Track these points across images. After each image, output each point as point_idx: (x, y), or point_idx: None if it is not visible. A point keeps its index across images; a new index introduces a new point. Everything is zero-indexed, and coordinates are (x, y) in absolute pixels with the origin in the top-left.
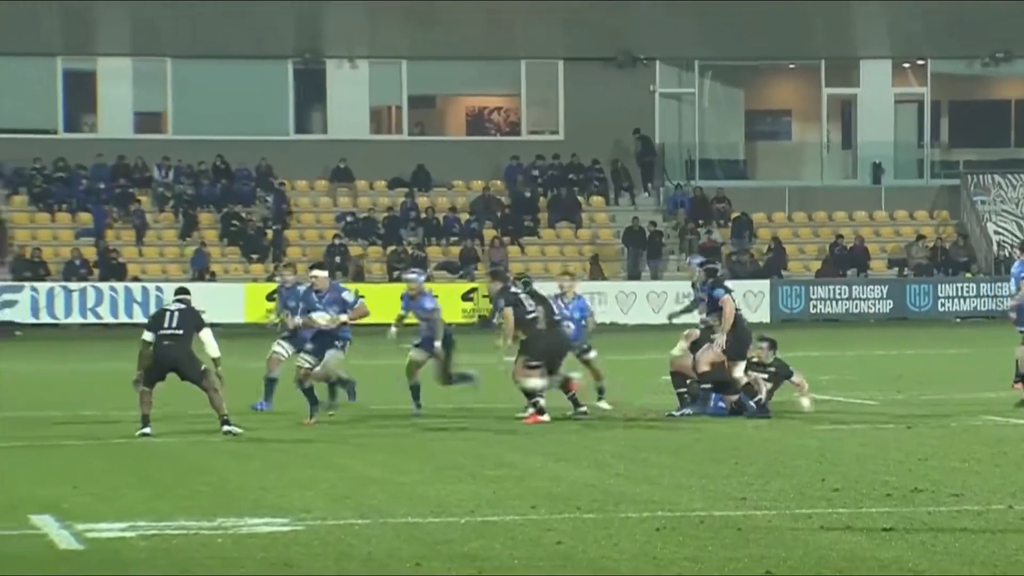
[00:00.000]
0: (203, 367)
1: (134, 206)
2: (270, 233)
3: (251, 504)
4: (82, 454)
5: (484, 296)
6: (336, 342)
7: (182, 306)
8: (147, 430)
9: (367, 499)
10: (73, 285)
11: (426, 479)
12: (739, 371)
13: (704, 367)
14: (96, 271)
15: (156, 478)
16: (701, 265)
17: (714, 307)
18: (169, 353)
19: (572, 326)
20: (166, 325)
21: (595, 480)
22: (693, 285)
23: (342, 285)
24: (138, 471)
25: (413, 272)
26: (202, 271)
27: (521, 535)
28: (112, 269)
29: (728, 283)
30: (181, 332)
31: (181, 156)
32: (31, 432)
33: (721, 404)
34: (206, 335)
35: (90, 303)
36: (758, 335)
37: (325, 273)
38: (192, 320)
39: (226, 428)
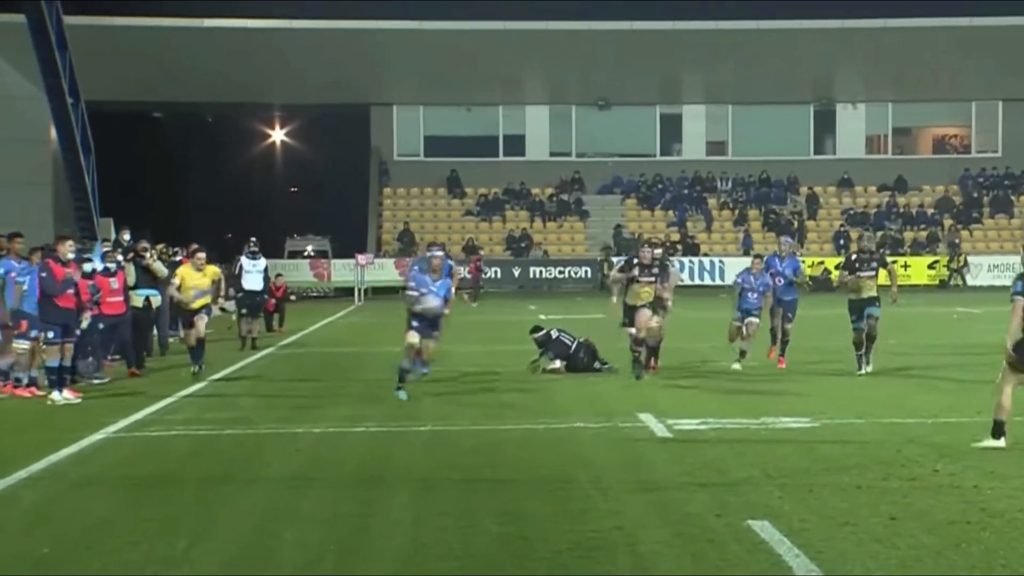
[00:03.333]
0: None
1: (706, 206)
2: (795, 223)
3: (785, 408)
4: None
5: (943, 266)
6: None
7: None
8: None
9: (861, 405)
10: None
11: (904, 391)
12: None
13: None
14: (680, 248)
15: (725, 390)
16: None
17: None
18: None
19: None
20: None
21: None
22: None
23: None
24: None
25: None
26: (747, 249)
27: (972, 432)
28: (690, 248)
29: None
30: None
31: (737, 171)
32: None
33: None
34: None
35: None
36: None
37: None
38: None
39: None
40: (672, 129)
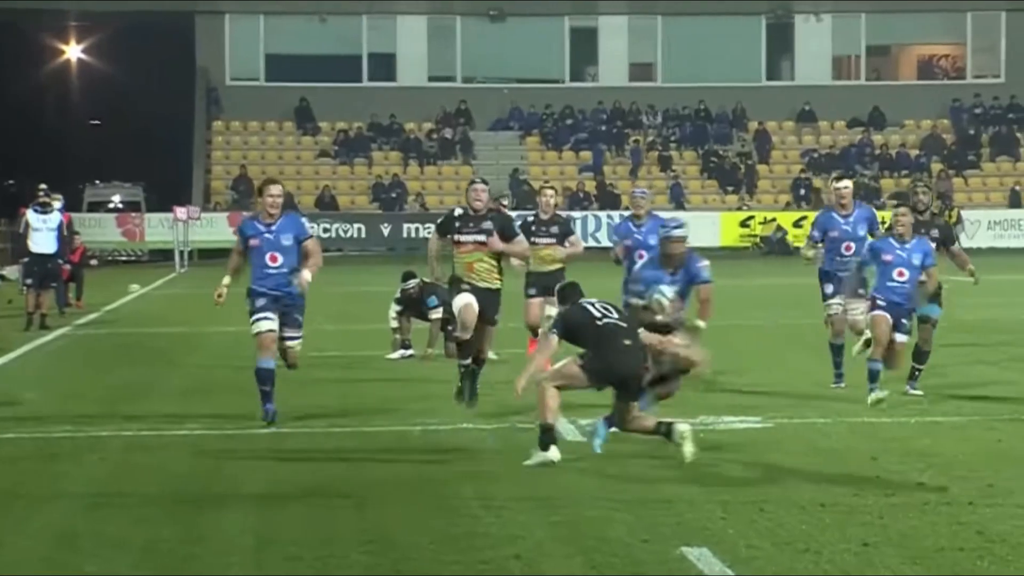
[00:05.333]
0: None
1: (629, 146)
2: (742, 167)
3: (728, 405)
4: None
5: None
6: None
7: None
8: None
9: (826, 401)
10: (576, 214)
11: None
12: None
13: None
14: (596, 202)
15: None
16: None
17: None
18: None
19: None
20: None
21: None
22: None
23: None
24: None
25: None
26: (679, 201)
27: (965, 434)
28: (609, 199)
29: None
30: None
31: (668, 101)
32: None
33: None
34: None
35: (590, 229)
36: None
37: None
38: None
39: None
40: (585, 48)
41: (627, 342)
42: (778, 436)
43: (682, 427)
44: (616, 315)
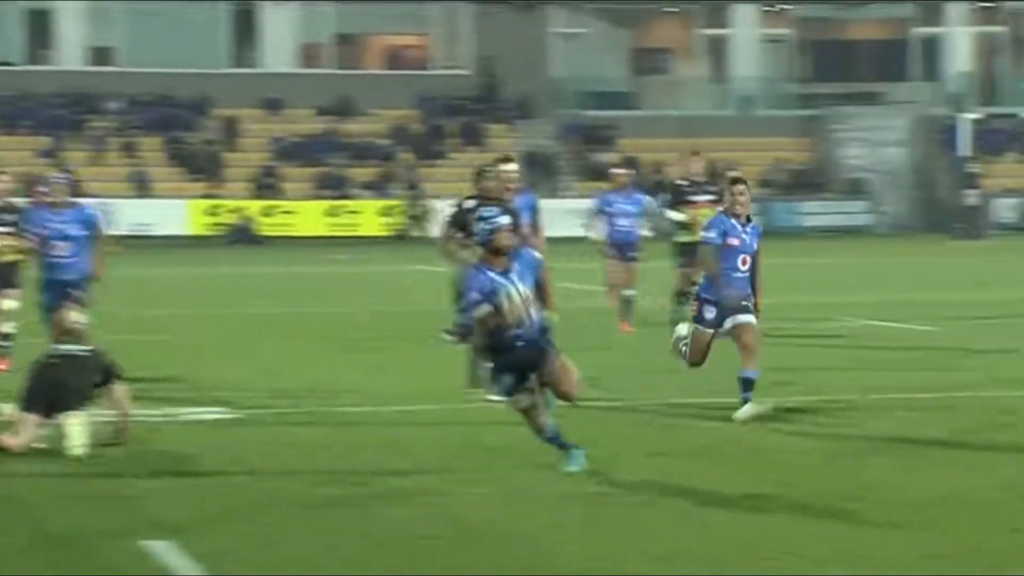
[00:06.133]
0: None
1: (89, 131)
2: (210, 154)
3: (191, 397)
4: None
5: (401, 212)
6: None
7: None
8: None
9: (284, 388)
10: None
11: (351, 372)
12: None
13: None
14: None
15: None
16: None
17: None
18: None
19: None
20: None
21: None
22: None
23: None
24: None
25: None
26: (144, 188)
27: (437, 424)
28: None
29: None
30: None
31: (131, 87)
32: None
33: None
34: None
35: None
36: None
37: None
38: None
39: None
40: (41, 30)
41: None
42: (247, 427)
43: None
44: None
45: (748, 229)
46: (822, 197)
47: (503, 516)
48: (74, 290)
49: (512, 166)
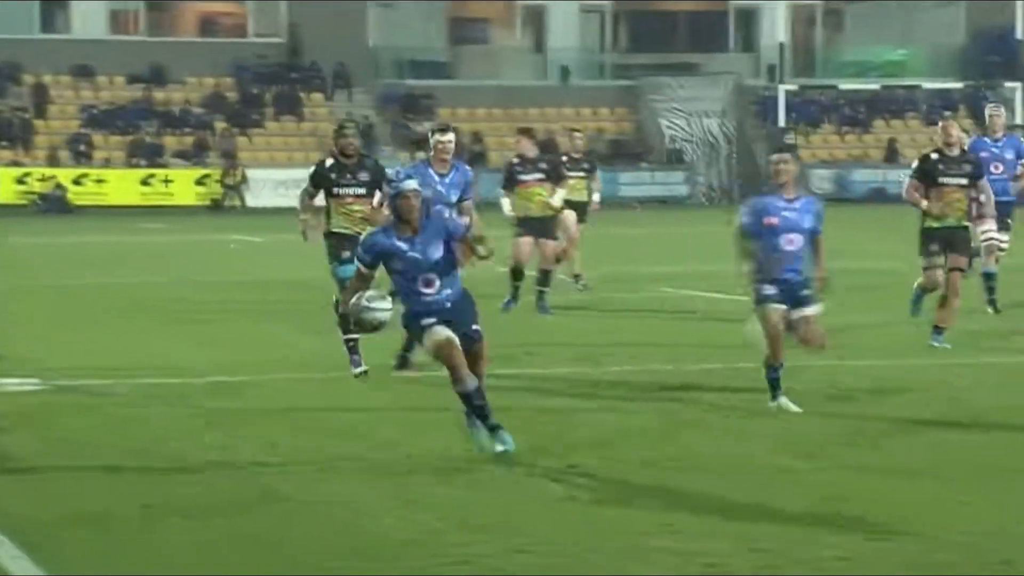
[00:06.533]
0: None
1: None
2: (18, 122)
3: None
4: None
5: (216, 181)
6: None
7: None
8: None
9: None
10: None
11: (166, 342)
12: None
13: None
14: None
15: None
16: None
17: None
18: None
19: None
20: None
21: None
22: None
23: None
24: None
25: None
26: None
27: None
28: None
29: None
30: None
31: None
32: None
33: None
34: None
35: None
36: None
37: None
38: None
39: None
40: None
41: None
42: (61, 397)
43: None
44: None
45: (796, 205)
46: (640, 168)
47: (316, 487)
48: None
49: (449, 136)
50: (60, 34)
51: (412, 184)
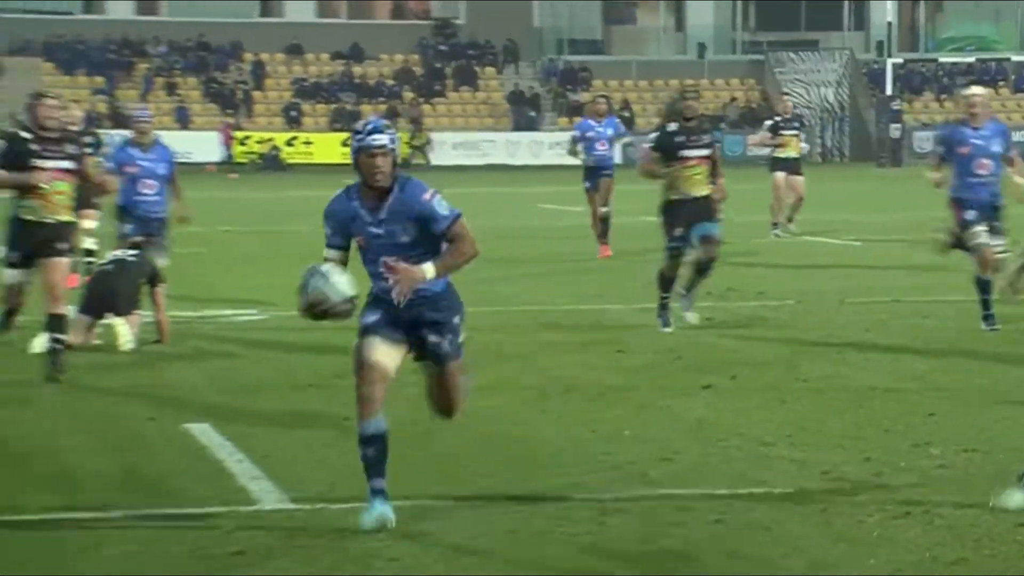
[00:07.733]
0: None
1: (136, 73)
2: (240, 94)
3: (228, 297)
4: None
5: (405, 143)
6: None
7: None
8: None
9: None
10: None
11: None
12: None
13: None
14: (109, 121)
15: None
16: None
17: None
18: None
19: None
20: None
21: None
22: None
23: None
24: None
25: None
26: (184, 122)
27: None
28: (120, 120)
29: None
30: None
31: (172, 34)
32: None
33: None
34: None
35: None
36: None
37: None
38: None
39: None
40: None
41: None
42: (273, 327)
43: None
44: None
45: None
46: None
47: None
48: (157, 233)
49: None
50: (275, 18)
51: (382, 139)
